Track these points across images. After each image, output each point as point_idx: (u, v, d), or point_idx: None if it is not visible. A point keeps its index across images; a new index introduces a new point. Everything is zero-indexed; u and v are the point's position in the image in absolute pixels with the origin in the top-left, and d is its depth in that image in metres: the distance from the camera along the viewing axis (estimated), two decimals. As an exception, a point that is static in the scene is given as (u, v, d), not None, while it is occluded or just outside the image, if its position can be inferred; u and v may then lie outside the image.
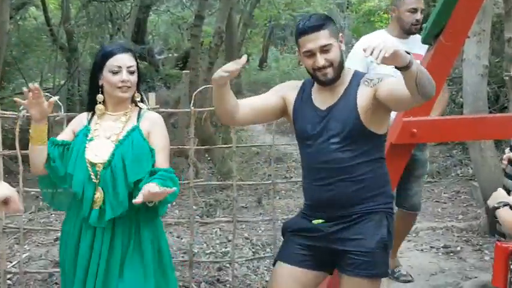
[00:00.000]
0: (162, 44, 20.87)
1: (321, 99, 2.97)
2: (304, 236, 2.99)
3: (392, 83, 2.78)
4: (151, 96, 5.10)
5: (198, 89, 5.81)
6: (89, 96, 3.04)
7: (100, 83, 2.93)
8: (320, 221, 2.94)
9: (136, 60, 2.98)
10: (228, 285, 5.03)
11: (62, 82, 12.51)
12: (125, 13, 15.09)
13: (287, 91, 3.09)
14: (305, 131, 2.96)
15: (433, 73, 3.43)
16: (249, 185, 7.16)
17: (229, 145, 5.18)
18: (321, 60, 2.86)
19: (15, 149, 4.84)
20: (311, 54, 2.87)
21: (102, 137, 2.92)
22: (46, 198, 3.14)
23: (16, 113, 4.98)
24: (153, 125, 2.99)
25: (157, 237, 2.98)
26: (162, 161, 2.92)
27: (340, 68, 2.91)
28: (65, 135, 3.01)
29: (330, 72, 2.88)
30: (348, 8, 25.74)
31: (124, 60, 2.89)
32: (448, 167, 9.38)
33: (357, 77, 2.96)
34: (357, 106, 2.86)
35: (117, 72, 2.86)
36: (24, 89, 2.86)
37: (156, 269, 2.93)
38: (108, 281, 2.83)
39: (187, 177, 5.28)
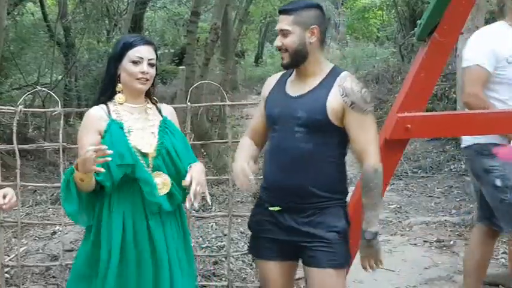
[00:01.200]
0: (158, 40, 20.84)
1: (294, 87, 3.00)
2: (267, 229, 3.02)
3: (359, 133, 2.86)
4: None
5: (194, 85, 5.82)
6: (104, 86, 2.93)
7: (118, 73, 2.86)
8: (276, 208, 2.96)
9: (156, 53, 2.95)
10: (223, 279, 5.03)
11: (59, 77, 12.48)
12: (122, 9, 15.06)
13: (266, 89, 3.15)
14: (272, 114, 3.00)
15: (427, 69, 3.47)
16: (244, 179, 7.16)
17: (225, 140, 5.16)
18: (278, 41, 2.96)
19: (12, 143, 4.84)
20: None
21: (137, 128, 2.86)
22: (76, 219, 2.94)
23: (14, 108, 4.97)
24: (173, 116, 3.05)
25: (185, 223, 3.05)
26: None
27: (296, 56, 2.93)
28: (91, 139, 2.79)
29: (285, 56, 2.94)
30: (342, 4, 25.76)
31: (146, 51, 2.85)
32: (441, 162, 9.41)
33: (335, 73, 2.94)
34: (326, 103, 2.86)
35: (137, 63, 2.83)
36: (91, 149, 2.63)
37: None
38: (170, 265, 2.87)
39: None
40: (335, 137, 2.88)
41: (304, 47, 2.92)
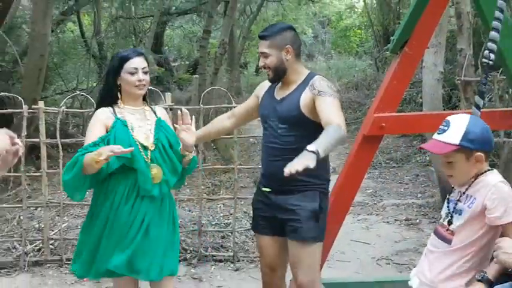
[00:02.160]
0: (176, 53, 20.78)
1: (279, 92, 3.05)
2: (260, 208, 3.09)
3: (324, 108, 2.78)
4: (168, 96, 5.09)
5: (206, 90, 5.81)
6: (107, 93, 2.89)
7: (118, 83, 2.85)
8: (267, 189, 3.03)
9: (147, 62, 2.94)
10: (229, 250, 5.03)
11: (94, 84, 12.43)
12: (146, 28, 14.98)
13: (260, 90, 3.20)
14: (263, 115, 3.08)
15: (399, 77, 3.45)
16: (247, 168, 7.14)
17: (231, 136, 5.16)
18: (261, 62, 3.03)
19: (56, 138, 4.83)
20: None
21: (137, 126, 2.86)
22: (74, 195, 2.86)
23: (57, 109, 4.97)
24: (166, 117, 3.03)
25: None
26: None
27: (277, 72, 2.98)
28: (99, 130, 2.79)
29: (269, 73, 3.01)
30: (328, 24, 25.67)
31: (139, 62, 2.85)
32: (409, 155, 9.39)
33: (309, 77, 2.97)
34: (299, 101, 2.90)
35: (134, 73, 2.81)
36: None
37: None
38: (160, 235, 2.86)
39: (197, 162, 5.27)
40: (311, 129, 2.85)
41: (282, 63, 2.96)
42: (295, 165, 2.35)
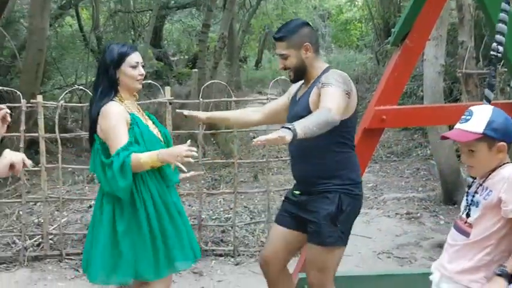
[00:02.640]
0: (175, 48, 20.74)
1: (300, 91, 2.98)
2: (290, 203, 3.04)
3: (322, 97, 2.68)
4: (167, 90, 5.09)
5: (205, 85, 5.80)
6: (109, 87, 2.79)
7: (117, 76, 2.80)
8: (297, 192, 2.98)
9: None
10: (230, 245, 5.03)
11: (93, 79, 12.44)
12: (145, 22, 14.93)
13: (292, 89, 3.11)
14: (288, 117, 3.00)
15: (400, 70, 3.45)
16: (247, 163, 7.14)
17: (231, 130, 5.16)
18: (280, 64, 2.92)
19: (55, 133, 4.83)
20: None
21: (144, 121, 2.87)
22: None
23: (56, 103, 4.96)
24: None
25: None
26: None
27: (299, 72, 2.90)
28: (124, 127, 2.72)
29: (291, 74, 2.92)
30: (328, 18, 25.62)
31: (138, 57, 2.85)
32: (410, 148, 9.39)
33: (322, 74, 2.86)
34: (309, 99, 2.82)
35: (135, 67, 2.80)
36: None
37: None
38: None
39: (197, 157, 5.26)
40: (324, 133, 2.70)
41: (303, 63, 2.87)
42: (265, 137, 2.34)
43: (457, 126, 2.31)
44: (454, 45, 8.49)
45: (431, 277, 2.50)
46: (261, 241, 5.08)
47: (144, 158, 2.66)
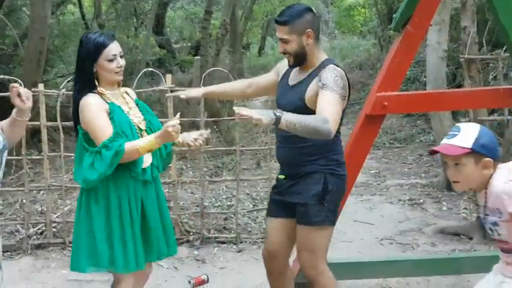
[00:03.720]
0: (177, 35, 20.66)
1: (293, 77, 2.97)
2: (275, 192, 3.06)
3: (319, 101, 2.69)
4: (169, 77, 5.06)
5: (207, 72, 5.77)
6: (87, 81, 2.71)
7: (94, 70, 2.72)
8: (282, 176, 2.99)
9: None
10: (232, 232, 5.04)
11: (96, 67, 12.44)
12: (147, 9, 14.86)
13: (281, 68, 3.10)
14: (277, 101, 3.00)
15: (401, 55, 3.42)
16: (249, 150, 7.14)
17: (233, 117, 5.14)
18: (280, 48, 2.89)
19: (57, 121, 4.83)
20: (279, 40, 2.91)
21: (126, 110, 2.82)
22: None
23: (57, 91, 4.95)
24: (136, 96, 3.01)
25: None
26: None
27: (299, 58, 2.87)
28: (105, 117, 2.69)
29: (290, 59, 2.90)
30: (331, 3, 25.44)
31: (116, 47, 2.74)
32: (414, 135, 9.36)
33: (323, 65, 2.84)
34: (306, 92, 2.82)
35: (112, 60, 2.72)
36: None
37: None
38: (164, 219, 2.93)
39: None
40: None
41: (303, 49, 2.85)
42: (245, 112, 2.43)
43: (445, 141, 2.35)
44: (457, 31, 8.43)
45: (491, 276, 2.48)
46: (264, 228, 5.08)
47: (141, 144, 2.65)
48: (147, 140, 2.68)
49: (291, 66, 2.94)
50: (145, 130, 2.82)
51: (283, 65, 3.07)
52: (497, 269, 2.45)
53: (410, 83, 9.93)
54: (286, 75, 3.02)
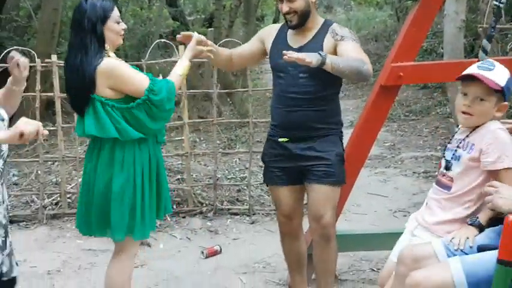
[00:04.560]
0: (191, 7, 20.49)
1: (294, 40, 2.97)
2: (278, 159, 3.04)
3: (346, 50, 2.78)
4: (182, 49, 5.02)
5: (220, 43, 5.71)
6: (98, 45, 2.65)
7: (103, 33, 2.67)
8: (285, 139, 2.99)
9: None
10: (245, 204, 5.06)
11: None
12: (160, -19, 14.73)
13: (266, 35, 3.11)
14: (279, 64, 2.95)
15: (418, 24, 3.34)
16: (262, 122, 7.09)
17: (246, 89, 5.11)
18: (285, 7, 2.89)
19: (69, 92, 4.82)
20: (281, 0, 2.91)
21: None
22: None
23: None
24: None
25: None
26: None
27: (304, 16, 2.89)
28: (137, 71, 2.75)
29: (294, 19, 2.90)
30: (347, -26, 25.02)
31: (118, 12, 2.75)
32: (430, 107, 9.25)
33: (326, 25, 2.94)
34: (322, 48, 2.84)
35: (119, 22, 2.72)
36: None
37: None
38: None
39: (212, 116, 5.24)
40: (332, 78, 2.80)
41: (309, 7, 2.90)
42: (296, 55, 2.56)
43: (478, 71, 2.29)
44: (475, 1, 8.24)
45: (406, 224, 2.59)
46: (277, 200, 5.09)
47: (181, 70, 2.78)
48: (182, 65, 2.79)
49: (293, 27, 2.93)
50: None
51: (267, 31, 3.12)
52: (410, 226, 2.53)
53: (427, 54, 9.77)
54: (281, 39, 3.00)
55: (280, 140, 3.00)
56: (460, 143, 2.36)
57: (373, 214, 4.94)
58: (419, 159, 6.58)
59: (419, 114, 8.95)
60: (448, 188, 2.36)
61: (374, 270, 3.83)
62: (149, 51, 5.40)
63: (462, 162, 2.31)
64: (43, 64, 4.81)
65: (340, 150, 2.99)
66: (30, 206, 4.97)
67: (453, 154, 2.36)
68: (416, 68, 3.44)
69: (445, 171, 2.38)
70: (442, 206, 2.39)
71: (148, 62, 5.18)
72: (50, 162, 5.73)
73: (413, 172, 6.12)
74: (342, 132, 3.06)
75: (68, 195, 4.97)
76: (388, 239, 3.71)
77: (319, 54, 2.61)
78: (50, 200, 4.97)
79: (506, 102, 2.26)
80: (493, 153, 2.23)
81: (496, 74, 2.27)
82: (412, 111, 9.15)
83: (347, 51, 2.77)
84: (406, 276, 2.21)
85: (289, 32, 2.99)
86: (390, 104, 3.57)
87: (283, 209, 3.14)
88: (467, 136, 2.34)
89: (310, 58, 2.56)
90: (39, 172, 5.16)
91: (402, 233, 3.85)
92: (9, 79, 2.43)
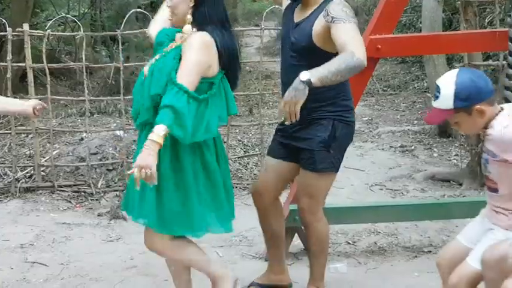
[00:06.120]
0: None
1: (298, 13, 2.86)
2: (280, 135, 3.01)
3: (339, 37, 2.57)
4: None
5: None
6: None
7: None
8: (282, 119, 2.86)
9: None
10: (223, 177, 4.99)
11: (86, 10, 12.08)
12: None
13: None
14: (282, 35, 2.91)
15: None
16: (241, 95, 7.01)
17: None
18: None
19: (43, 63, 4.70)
20: None
21: None
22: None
23: (43, 32, 4.80)
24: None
25: None
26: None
27: None
28: None
29: None
30: None
31: None
32: (407, 81, 9.25)
33: (326, 2, 2.73)
34: (312, 30, 2.71)
35: None
36: None
37: None
38: None
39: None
40: (323, 60, 2.58)
41: None
42: (283, 101, 2.47)
43: (433, 104, 2.29)
44: (455, -26, 8.19)
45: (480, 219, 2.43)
46: (254, 174, 5.05)
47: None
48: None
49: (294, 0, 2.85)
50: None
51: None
52: (484, 214, 2.42)
53: (405, 29, 9.73)
54: (290, 10, 2.90)
55: (282, 118, 2.88)
56: (483, 148, 2.34)
57: (349, 188, 4.93)
58: (396, 134, 6.57)
59: (397, 89, 8.95)
60: (495, 190, 2.30)
61: (350, 243, 3.83)
62: (124, 21, 5.23)
63: (491, 165, 2.27)
64: (14, 33, 4.65)
65: (325, 136, 2.78)
66: (3, 179, 4.85)
67: (485, 158, 2.31)
68: (395, 40, 3.40)
69: (487, 174, 2.33)
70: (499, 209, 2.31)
71: (126, 32, 5.05)
72: (23, 135, 5.59)
73: (390, 146, 6.12)
74: (343, 116, 2.82)
75: (42, 168, 4.85)
76: (364, 213, 3.74)
77: (301, 81, 2.43)
78: (23, 173, 4.86)
79: (477, 106, 2.16)
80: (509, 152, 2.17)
81: (442, 99, 2.20)
82: (390, 86, 9.14)
83: (340, 37, 2.56)
84: (497, 281, 2.13)
85: (298, 6, 2.87)
86: (368, 77, 3.53)
87: (257, 182, 3.12)
88: (483, 140, 2.31)
89: (297, 99, 2.43)
90: (11, 145, 5.03)
91: (379, 206, 3.88)
92: (20, 104, 2.59)
